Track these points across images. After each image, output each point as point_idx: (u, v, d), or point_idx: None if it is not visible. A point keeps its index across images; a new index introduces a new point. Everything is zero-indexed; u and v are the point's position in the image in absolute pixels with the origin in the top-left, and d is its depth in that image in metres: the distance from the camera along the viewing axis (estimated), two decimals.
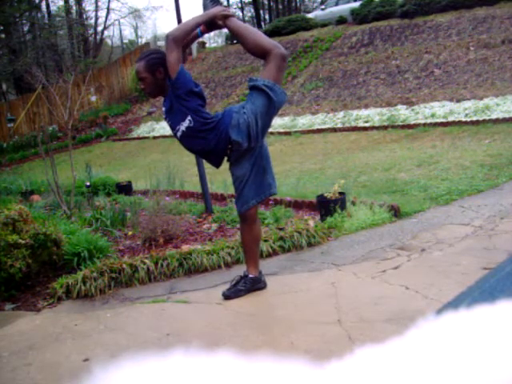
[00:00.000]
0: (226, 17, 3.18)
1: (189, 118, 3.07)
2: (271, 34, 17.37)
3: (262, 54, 3.11)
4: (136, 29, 37.31)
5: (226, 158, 3.27)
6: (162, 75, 3.11)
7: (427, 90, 11.77)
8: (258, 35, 3.18)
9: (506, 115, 9.00)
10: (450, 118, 9.76)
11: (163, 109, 3.24)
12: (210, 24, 3.24)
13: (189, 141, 3.17)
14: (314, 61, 15.53)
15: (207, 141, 3.11)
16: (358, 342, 2.49)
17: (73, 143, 13.55)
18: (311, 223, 4.46)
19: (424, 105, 10.93)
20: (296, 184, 6.69)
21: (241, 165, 3.19)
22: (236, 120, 3.06)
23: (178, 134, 3.15)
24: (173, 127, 3.18)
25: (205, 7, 3.30)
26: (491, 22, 13.04)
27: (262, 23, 32.09)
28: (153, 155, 12.64)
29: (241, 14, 37.22)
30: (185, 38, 3.12)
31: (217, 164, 3.28)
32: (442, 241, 3.95)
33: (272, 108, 3.10)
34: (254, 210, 3.29)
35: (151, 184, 6.79)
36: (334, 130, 11.22)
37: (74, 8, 26.72)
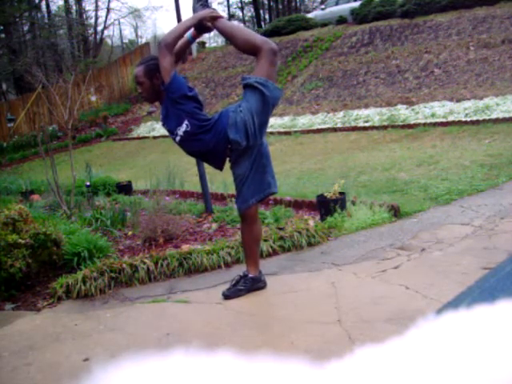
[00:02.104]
0: (215, 18, 3.19)
1: (186, 122, 3.09)
2: (271, 33, 17.36)
3: (253, 50, 3.13)
4: (136, 29, 37.35)
5: (227, 159, 3.28)
6: (159, 81, 3.15)
7: (427, 90, 11.77)
8: (247, 33, 3.21)
9: (506, 115, 9.00)
10: (450, 118, 9.75)
11: (161, 116, 3.27)
12: (200, 27, 3.25)
13: (187, 144, 3.19)
14: (314, 61, 15.53)
15: (205, 142, 3.12)
16: (357, 342, 2.49)
17: (73, 143, 13.54)
18: (311, 223, 4.46)
19: (424, 104, 10.93)
20: (296, 184, 6.69)
21: (241, 163, 3.19)
22: (233, 119, 3.07)
23: (177, 138, 3.17)
24: (171, 132, 3.20)
25: (194, 10, 3.31)
26: (491, 21, 13.03)
27: (262, 23, 32.09)
28: (153, 155, 12.64)
29: (241, 14, 37.25)
30: (176, 43, 3.15)
31: (219, 166, 3.28)
32: (442, 240, 3.95)
33: (267, 104, 3.10)
34: (255, 210, 3.29)
35: (151, 184, 6.79)
36: (334, 129, 11.22)
37: (74, 8, 26.76)
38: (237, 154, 3.17)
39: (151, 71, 3.14)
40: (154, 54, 3.38)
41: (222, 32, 3.24)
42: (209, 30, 3.28)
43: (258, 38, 3.15)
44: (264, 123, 3.17)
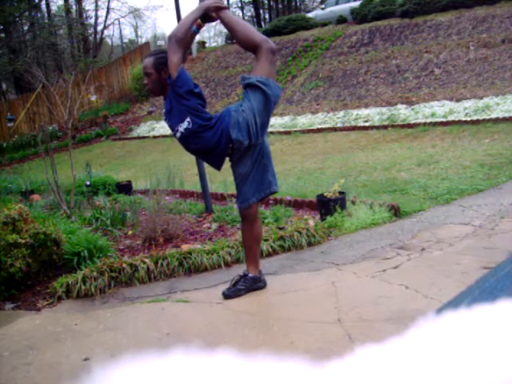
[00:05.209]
0: (219, 8, 3.20)
1: (188, 119, 3.09)
2: (271, 33, 17.35)
3: (253, 47, 3.15)
4: (136, 28, 37.34)
5: (227, 159, 3.28)
6: (166, 75, 3.15)
7: (427, 90, 11.77)
8: (248, 28, 3.22)
9: (506, 114, 8.99)
10: (450, 118, 9.75)
11: (163, 110, 3.27)
12: (204, 16, 3.25)
13: (188, 141, 3.19)
14: (314, 60, 15.52)
15: (206, 140, 3.12)
16: (357, 342, 2.49)
17: (73, 143, 13.54)
18: (311, 223, 4.46)
19: (424, 104, 10.92)
20: (296, 183, 6.69)
21: (243, 163, 3.20)
22: (235, 119, 3.08)
23: (177, 134, 3.17)
24: (172, 128, 3.20)
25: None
26: (491, 21, 13.03)
27: (262, 22, 32.09)
28: (153, 155, 12.64)
29: (241, 14, 37.21)
30: (186, 36, 3.14)
31: (218, 165, 3.27)
32: (442, 240, 3.95)
33: (269, 103, 3.12)
34: (255, 209, 3.29)
35: (151, 183, 6.79)
36: (334, 129, 11.22)
37: (74, 7, 26.75)
38: (239, 153, 3.17)
39: (160, 64, 3.14)
40: (164, 49, 3.38)
41: (225, 23, 3.25)
42: (213, 19, 3.29)
43: (258, 35, 3.16)
44: (265, 122, 3.18)
